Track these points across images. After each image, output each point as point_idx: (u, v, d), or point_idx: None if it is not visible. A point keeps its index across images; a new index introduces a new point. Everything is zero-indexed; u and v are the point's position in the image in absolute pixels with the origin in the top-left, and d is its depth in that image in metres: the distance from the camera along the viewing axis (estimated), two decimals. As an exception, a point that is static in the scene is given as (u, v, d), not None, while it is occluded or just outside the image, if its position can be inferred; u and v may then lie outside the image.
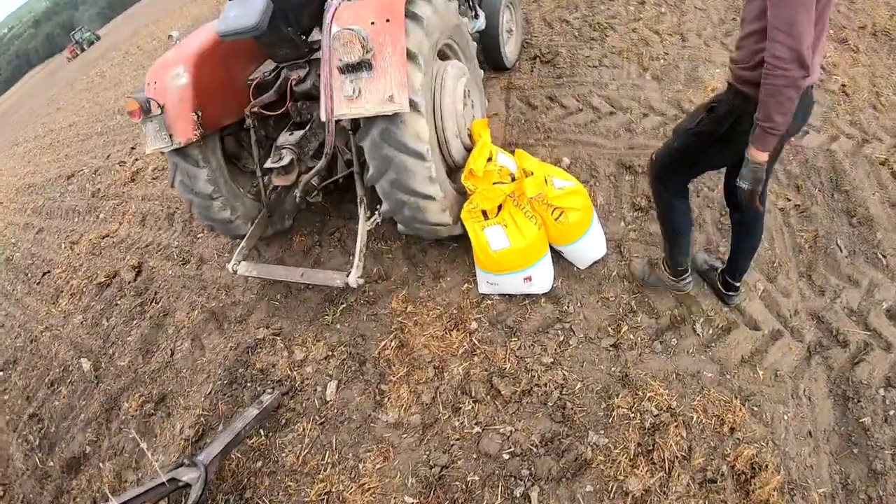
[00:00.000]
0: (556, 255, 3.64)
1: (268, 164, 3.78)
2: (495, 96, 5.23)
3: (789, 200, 3.79)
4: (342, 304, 4.02)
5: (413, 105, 2.94)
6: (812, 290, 3.31)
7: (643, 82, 5.01)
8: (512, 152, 3.57)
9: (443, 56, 3.75)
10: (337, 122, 3.19)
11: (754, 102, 2.07)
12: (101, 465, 4.08)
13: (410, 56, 2.96)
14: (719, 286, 3.18)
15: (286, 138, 3.85)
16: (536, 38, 6.02)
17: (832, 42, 5.28)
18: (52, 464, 4.41)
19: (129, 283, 5.70)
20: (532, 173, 3.38)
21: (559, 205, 3.36)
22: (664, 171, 2.78)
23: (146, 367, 4.58)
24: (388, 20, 2.88)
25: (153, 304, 5.22)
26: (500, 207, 3.38)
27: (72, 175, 9.98)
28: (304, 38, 3.76)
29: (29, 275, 7.75)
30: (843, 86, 4.68)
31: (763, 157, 2.14)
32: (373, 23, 2.90)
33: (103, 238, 6.86)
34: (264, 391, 3.71)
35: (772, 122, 2.01)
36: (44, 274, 7.29)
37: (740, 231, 2.90)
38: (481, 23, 4.85)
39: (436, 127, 3.40)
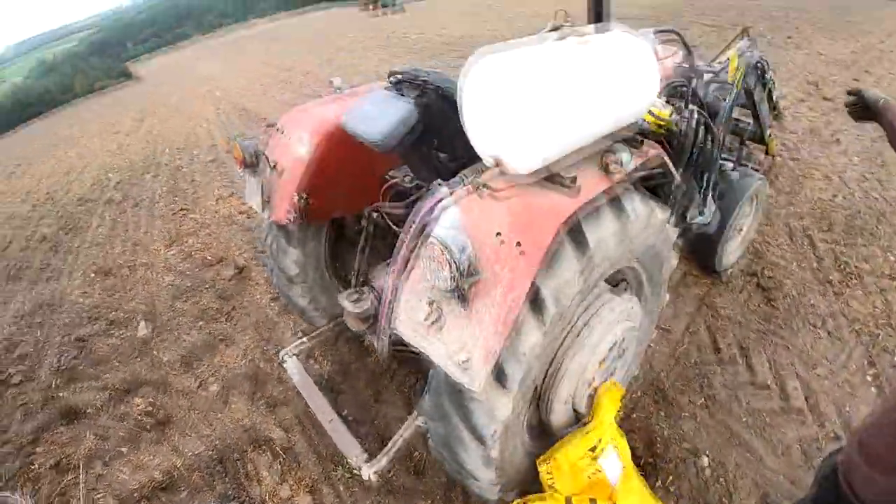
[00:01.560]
0: None
1: (343, 300, 2.99)
2: (680, 306, 4.04)
3: None
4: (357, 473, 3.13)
5: (496, 383, 1.98)
6: None
7: (857, 386, 3.52)
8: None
9: (611, 280, 2.69)
10: None
11: None
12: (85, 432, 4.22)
13: (534, 307, 1.97)
14: None
15: (380, 272, 2.99)
16: (768, 247, 4.69)
17: None
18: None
19: (225, 278, 5.83)
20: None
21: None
22: None
23: (176, 376, 4.55)
24: (519, 244, 1.87)
25: (223, 318, 5.20)
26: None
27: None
28: (454, 163, 2.87)
29: (176, 198, 8.60)
30: None
31: None
32: (499, 235, 1.91)
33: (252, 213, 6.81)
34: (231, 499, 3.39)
35: None
36: (182, 210, 7.85)
37: None
38: (707, 218, 3.71)
39: (538, 390, 2.42)
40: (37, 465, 4.04)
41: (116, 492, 3.64)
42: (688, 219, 3.62)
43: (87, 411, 4.43)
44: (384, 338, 2.29)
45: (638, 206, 2.33)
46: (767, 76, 4.73)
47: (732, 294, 4.18)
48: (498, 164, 2.06)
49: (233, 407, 4.07)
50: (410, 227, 2.03)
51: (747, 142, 5.20)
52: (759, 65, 4.46)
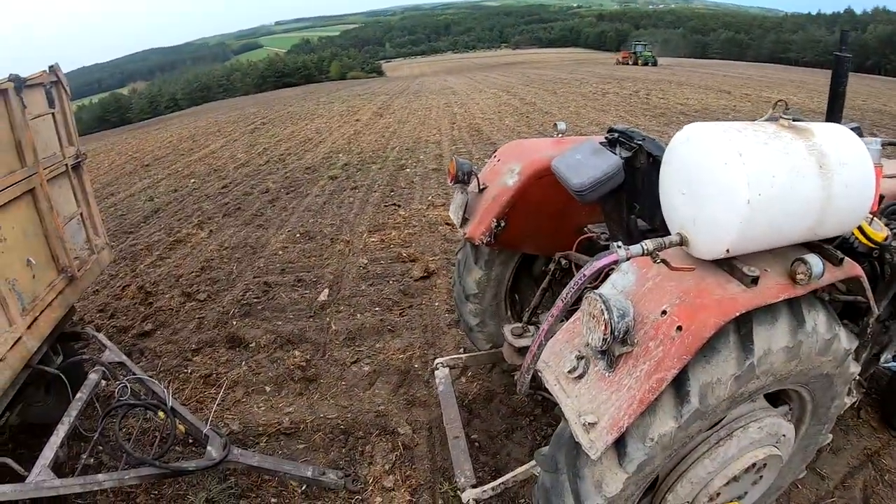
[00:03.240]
0: None
1: (506, 330, 3.20)
2: (847, 454, 3.59)
3: None
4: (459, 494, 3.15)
5: (615, 458, 1.94)
6: None
7: None
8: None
9: (773, 398, 2.50)
10: None
11: None
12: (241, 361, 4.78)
13: (677, 395, 1.90)
14: None
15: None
16: None
17: None
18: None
19: (413, 277, 6.23)
20: None
21: None
22: None
23: (338, 346, 4.95)
24: (680, 328, 1.82)
25: (398, 311, 5.52)
26: None
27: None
28: (651, 232, 2.84)
29: (392, 192, 9.40)
30: None
31: None
32: (664, 313, 1.88)
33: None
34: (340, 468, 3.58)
35: None
36: (394, 205, 8.43)
37: None
38: None
39: (658, 481, 2.30)
40: (189, 371, 4.59)
41: (245, 420, 4.01)
42: (881, 361, 3.27)
43: (250, 345, 4.91)
44: (526, 375, 2.34)
45: (821, 326, 2.13)
46: None
47: None
48: (683, 241, 2.03)
49: (375, 391, 4.31)
50: (580, 278, 2.05)
51: None
52: None
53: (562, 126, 3.59)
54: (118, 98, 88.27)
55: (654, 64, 48.92)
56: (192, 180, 12.40)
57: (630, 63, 49.72)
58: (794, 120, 2.24)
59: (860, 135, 3.36)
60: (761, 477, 2.42)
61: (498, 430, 3.84)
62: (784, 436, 2.37)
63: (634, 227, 2.88)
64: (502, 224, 3.17)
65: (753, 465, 2.29)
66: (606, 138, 2.95)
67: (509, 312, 3.88)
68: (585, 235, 3.30)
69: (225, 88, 75.26)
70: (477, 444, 3.72)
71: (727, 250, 1.94)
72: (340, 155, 13.31)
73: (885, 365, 3.30)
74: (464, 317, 3.86)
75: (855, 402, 3.06)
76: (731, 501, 2.39)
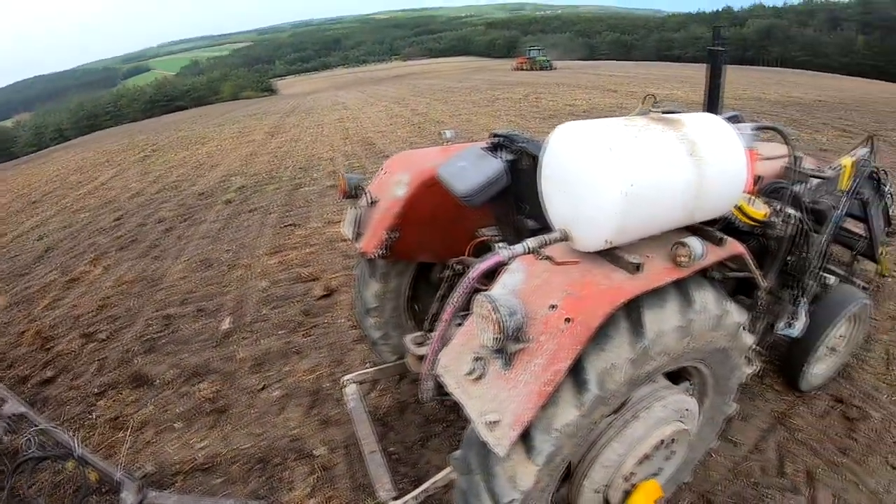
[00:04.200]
0: None
1: (407, 340, 3.24)
2: (757, 419, 3.78)
3: None
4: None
5: (524, 452, 1.96)
6: None
7: None
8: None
9: (674, 376, 2.58)
10: None
11: None
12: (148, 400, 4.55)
13: (576, 385, 1.94)
14: None
15: None
16: (861, 373, 4.29)
17: None
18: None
19: (315, 297, 6.13)
20: None
21: None
22: None
23: (245, 374, 4.78)
24: (568, 319, 1.85)
25: (303, 332, 5.41)
26: None
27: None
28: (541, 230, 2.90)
29: (290, 213, 9.45)
30: None
31: None
32: (552, 307, 1.91)
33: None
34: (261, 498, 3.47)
35: None
36: (291, 225, 8.36)
37: None
38: (796, 330, 3.49)
39: (571, 470, 2.34)
40: (94, 416, 4.35)
41: (159, 460, 3.83)
42: (775, 329, 3.43)
43: (156, 382, 4.70)
44: (427, 382, 2.32)
45: (710, 303, 2.23)
46: (886, 188, 4.43)
47: (812, 417, 3.84)
48: (565, 236, 2.07)
49: (288, 415, 4.19)
50: (467, 281, 2.06)
51: (859, 257, 4.87)
52: (874, 175, 4.22)
53: (449, 134, 3.64)
54: (2, 131, 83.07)
55: (551, 68, 49.58)
56: (84, 214, 11.79)
57: (526, 68, 49.89)
58: (665, 112, 2.34)
59: (739, 122, 3.54)
60: (673, 452, 2.51)
61: (414, 440, 3.81)
62: (688, 410, 2.46)
63: (524, 227, 2.91)
64: (395, 235, 3.17)
65: (662, 441, 2.36)
66: (489, 143, 3.00)
67: (411, 322, 3.87)
68: (479, 239, 3.35)
69: (112, 115, 72.06)
70: (395, 456, 3.67)
71: (608, 241, 2.00)
72: (235, 178, 13.01)
73: (782, 332, 3.46)
74: (367, 331, 3.84)
75: (757, 370, 3.21)
76: (646, 479, 2.45)
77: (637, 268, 1.99)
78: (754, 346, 3.14)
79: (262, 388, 4.52)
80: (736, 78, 24.41)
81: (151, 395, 4.53)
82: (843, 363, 4.24)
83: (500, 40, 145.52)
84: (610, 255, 2.08)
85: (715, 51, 3.51)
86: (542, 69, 48.80)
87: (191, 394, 4.50)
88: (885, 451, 3.68)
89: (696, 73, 32.58)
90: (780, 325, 3.42)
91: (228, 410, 4.28)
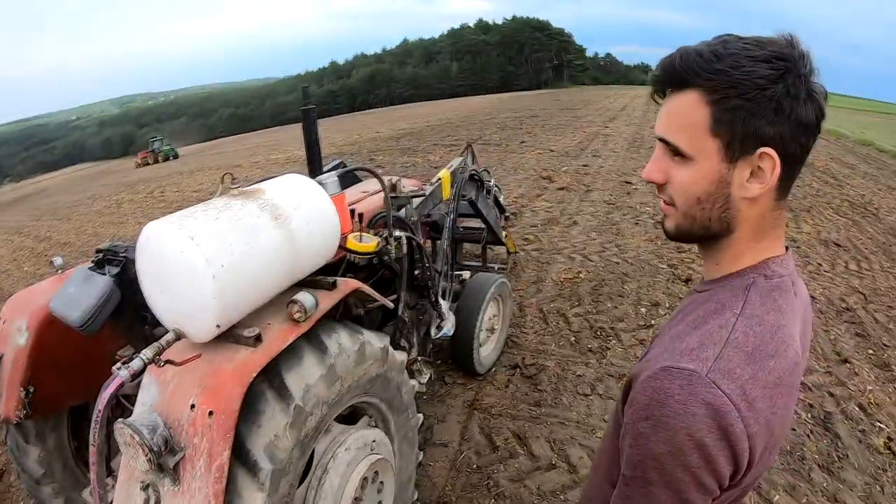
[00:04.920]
0: None
1: (86, 495, 2.98)
2: (454, 414, 4.13)
3: None
4: None
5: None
6: None
7: None
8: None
9: (350, 417, 2.73)
10: None
11: None
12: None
13: (250, 469, 1.95)
14: None
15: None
16: (525, 336, 5.06)
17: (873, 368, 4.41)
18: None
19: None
20: None
21: None
22: None
23: None
24: (211, 413, 1.86)
25: None
26: None
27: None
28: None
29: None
30: (890, 439, 3.65)
31: None
32: (192, 407, 1.89)
33: None
34: None
35: None
36: None
37: None
38: (448, 329, 3.91)
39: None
40: None
41: None
42: (432, 335, 3.80)
43: None
44: None
45: (345, 342, 2.39)
46: (489, 184, 5.22)
47: (499, 390, 4.37)
48: (179, 334, 2.07)
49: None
50: (97, 415, 1.95)
51: (490, 246, 5.65)
52: (474, 176, 4.92)
53: (58, 261, 3.31)
54: None
55: (176, 157, 47.59)
56: None
57: (151, 162, 46.68)
58: (243, 186, 2.47)
59: (344, 167, 3.81)
60: (382, 483, 2.63)
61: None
62: (375, 441, 2.60)
63: (155, 335, 2.82)
64: (32, 390, 2.82)
65: (365, 479, 2.47)
66: (93, 261, 2.85)
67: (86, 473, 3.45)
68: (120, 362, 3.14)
69: None
70: None
71: (219, 326, 2.04)
72: None
73: (439, 336, 3.83)
74: (47, 502, 3.32)
75: (429, 377, 3.53)
76: None
77: (257, 339, 2.06)
78: (418, 358, 3.47)
79: None
80: (351, 124, 26.44)
81: None
82: (506, 337, 4.88)
83: (116, 138, 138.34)
84: (229, 336, 2.12)
85: (306, 110, 3.69)
86: (168, 159, 46.03)
87: None
88: (571, 387, 4.35)
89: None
90: (434, 329, 3.80)
91: None
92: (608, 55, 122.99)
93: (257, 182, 2.68)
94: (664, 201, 1.11)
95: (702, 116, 0.98)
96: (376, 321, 3.35)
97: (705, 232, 1.08)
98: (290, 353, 2.17)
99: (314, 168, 3.74)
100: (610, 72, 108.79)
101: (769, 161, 0.98)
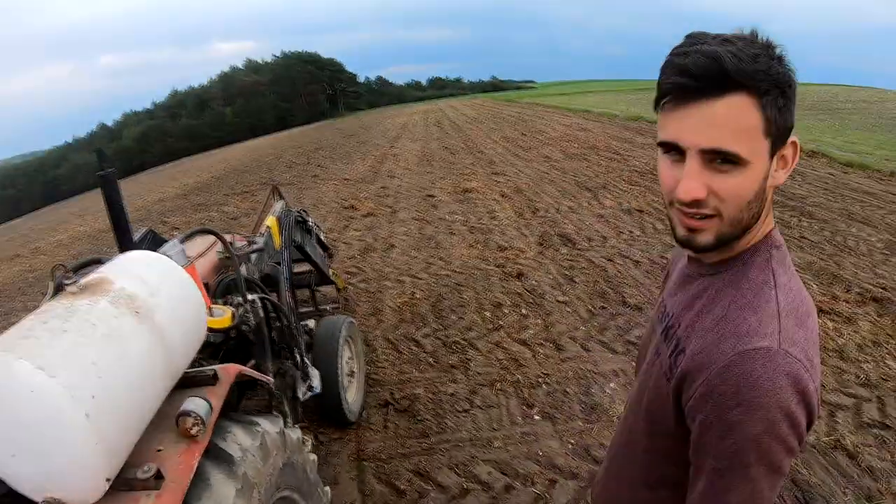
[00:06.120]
0: None
1: None
2: (343, 472, 3.83)
3: None
4: None
5: None
6: None
7: (533, 426, 4.01)
8: None
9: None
10: None
11: None
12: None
13: None
14: None
15: None
16: (383, 371, 4.90)
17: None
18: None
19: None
20: None
21: None
22: None
23: None
24: None
25: None
26: None
27: None
28: None
29: None
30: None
31: None
32: None
33: None
34: None
35: None
36: None
37: None
38: (317, 385, 3.64)
39: None
40: None
41: None
42: (301, 397, 3.49)
43: None
44: None
45: (245, 442, 2.07)
46: (310, 223, 5.06)
47: (380, 433, 4.15)
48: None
49: None
50: None
51: (317, 289, 5.47)
52: (299, 218, 4.73)
53: None
54: None
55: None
56: None
57: None
58: (78, 280, 1.87)
59: (155, 236, 3.35)
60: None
61: None
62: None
63: None
64: None
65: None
66: None
67: None
68: None
69: None
70: None
71: (108, 479, 1.59)
72: None
73: (308, 395, 3.55)
74: None
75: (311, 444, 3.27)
76: None
77: (156, 478, 1.66)
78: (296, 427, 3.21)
79: None
80: (133, 190, 24.22)
81: None
82: (365, 376, 4.70)
83: None
84: (121, 482, 1.65)
85: (105, 175, 3.09)
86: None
87: None
88: (449, 408, 4.33)
89: (95, 202, 31.08)
90: (302, 390, 3.49)
91: None
92: (379, 78, 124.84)
93: (91, 269, 2.07)
94: (700, 216, 1.05)
95: (755, 119, 0.98)
96: (233, 398, 2.98)
97: (744, 232, 1.09)
98: (196, 479, 1.77)
99: (124, 241, 3.06)
100: (384, 94, 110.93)
101: (792, 147, 1.06)
